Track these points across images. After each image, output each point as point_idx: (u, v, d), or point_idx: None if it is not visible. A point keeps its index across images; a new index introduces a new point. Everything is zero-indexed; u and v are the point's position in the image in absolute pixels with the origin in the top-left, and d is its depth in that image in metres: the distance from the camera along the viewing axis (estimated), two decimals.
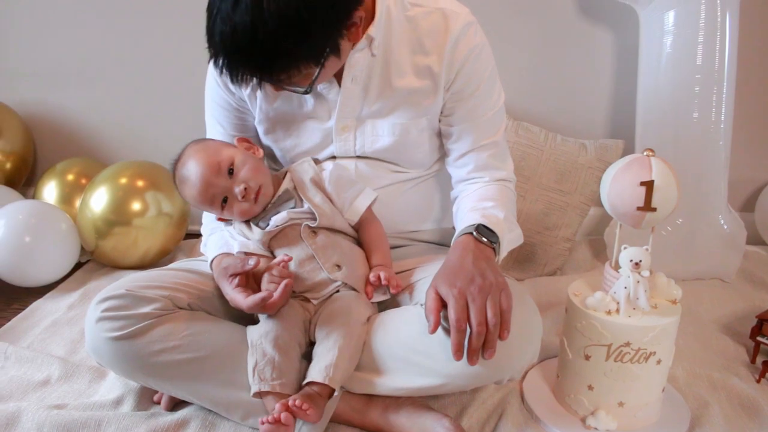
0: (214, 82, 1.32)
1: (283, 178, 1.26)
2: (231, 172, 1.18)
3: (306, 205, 1.21)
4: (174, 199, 1.88)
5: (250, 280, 1.17)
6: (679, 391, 1.30)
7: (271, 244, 1.22)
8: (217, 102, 1.33)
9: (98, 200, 1.83)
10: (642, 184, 1.06)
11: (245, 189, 1.17)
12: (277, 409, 1.02)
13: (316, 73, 1.07)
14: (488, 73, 1.25)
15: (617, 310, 1.13)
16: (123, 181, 1.85)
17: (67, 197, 2.01)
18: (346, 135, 1.26)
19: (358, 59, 1.19)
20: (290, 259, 1.14)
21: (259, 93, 1.27)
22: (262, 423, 1.03)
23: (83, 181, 2.03)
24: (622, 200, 1.09)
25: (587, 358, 1.15)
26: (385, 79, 1.22)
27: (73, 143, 2.26)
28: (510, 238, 1.23)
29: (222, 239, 1.26)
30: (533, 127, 1.89)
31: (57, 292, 1.79)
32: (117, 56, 2.15)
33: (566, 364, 1.21)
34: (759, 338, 1.43)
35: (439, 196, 1.40)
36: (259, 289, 1.14)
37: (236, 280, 1.14)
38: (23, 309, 1.69)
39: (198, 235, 2.00)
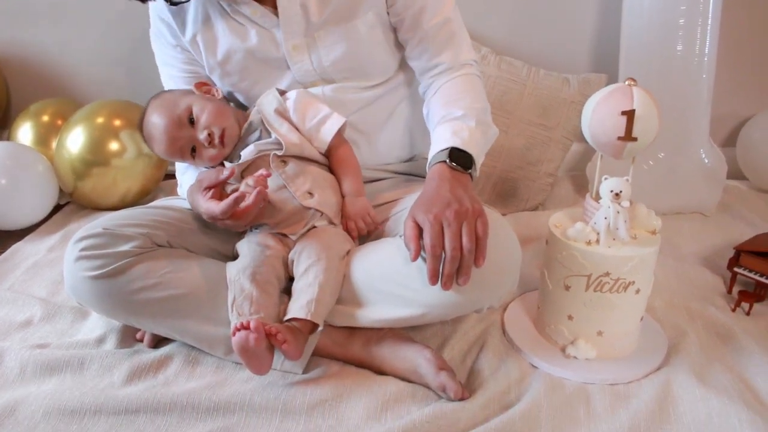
0: (155, 39, 1.32)
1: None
2: (192, 121, 1.19)
3: (273, 136, 1.20)
4: None
5: (225, 197, 1.14)
6: (657, 320, 1.32)
7: (243, 177, 1.21)
8: (167, 62, 1.33)
9: (75, 140, 1.80)
10: (623, 113, 1.05)
11: (209, 135, 1.18)
12: (253, 324, 1.01)
13: None
14: None
15: (597, 241, 1.13)
16: (100, 120, 1.81)
17: (42, 139, 1.96)
18: (300, 56, 1.24)
19: None
20: (269, 174, 1.13)
21: (200, 39, 1.25)
22: (233, 334, 1.02)
23: (59, 122, 1.98)
24: (603, 130, 1.08)
25: (567, 288, 1.16)
26: None
27: (48, 83, 2.19)
28: (484, 144, 1.22)
29: (197, 173, 1.26)
30: (516, 62, 1.86)
31: (36, 235, 1.78)
32: None
33: (546, 295, 1.22)
34: (736, 269, 1.45)
35: (410, 125, 1.38)
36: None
37: (210, 193, 1.14)
38: (2, 252, 1.68)
39: None
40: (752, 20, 2.05)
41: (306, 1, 1.20)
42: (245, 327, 1.01)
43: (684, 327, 1.30)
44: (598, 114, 1.09)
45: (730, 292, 1.47)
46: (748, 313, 1.38)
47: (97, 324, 1.30)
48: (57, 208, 1.91)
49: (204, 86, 1.26)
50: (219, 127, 1.18)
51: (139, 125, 1.25)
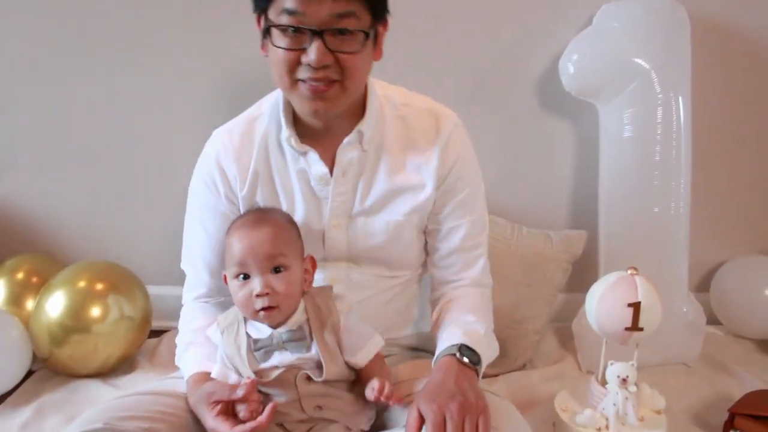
0: (203, 184, 1.29)
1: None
2: (277, 270, 1.13)
3: (314, 350, 1.14)
4: (136, 300, 1.80)
5: (230, 406, 1.11)
6: None
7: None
8: (206, 206, 1.30)
9: (54, 305, 1.73)
10: (630, 305, 1.08)
11: (267, 294, 1.11)
12: None
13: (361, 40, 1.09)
14: (473, 173, 1.29)
15: (607, 427, 1.13)
16: (81, 284, 1.76)
17: (15, 298, 1.89)
18: (337, 234, 1.25)
19: (346, 152, 1.21)
20: (276, 406, 1.07)
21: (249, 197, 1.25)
22: None
23: (34, 279, 1.92)
24: (609, 321, 1.11)
25: None
26: (378, 175, 1.24)
27: (23, 238, 2.14)
28: (489, 354, 1.23)
29: (200, 355, 1.21)
30: (499, 219, 1.91)
31: (7, 406, 1.67)
32: (77, 144, 2.06)
33: None
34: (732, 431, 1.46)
35: (419, 301, 1.40)
36: (235, 413, 1.09)
37: (218, 407, 1.09)
38: None
39: (160, 332, 1.93)
40: (720, 174, 2.16)
41: (360, 181, 1.23)
42: None
43: None
44: (604, 306, 1.12)
45: None
46: None
47: None
48: (27, 374, 1.81)
49: (312, 262, 1.21)
50: (277, 301, 1.11)
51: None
